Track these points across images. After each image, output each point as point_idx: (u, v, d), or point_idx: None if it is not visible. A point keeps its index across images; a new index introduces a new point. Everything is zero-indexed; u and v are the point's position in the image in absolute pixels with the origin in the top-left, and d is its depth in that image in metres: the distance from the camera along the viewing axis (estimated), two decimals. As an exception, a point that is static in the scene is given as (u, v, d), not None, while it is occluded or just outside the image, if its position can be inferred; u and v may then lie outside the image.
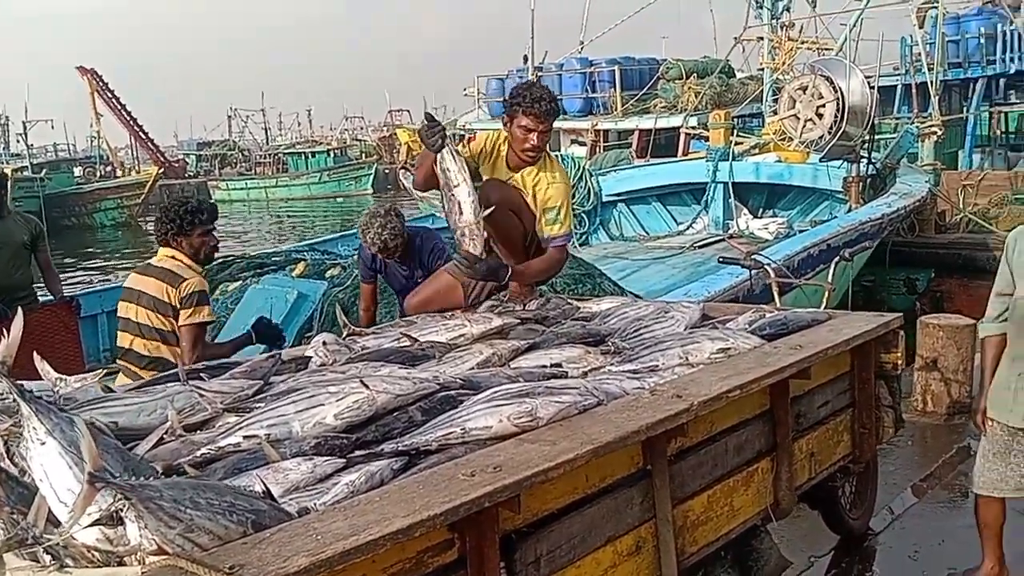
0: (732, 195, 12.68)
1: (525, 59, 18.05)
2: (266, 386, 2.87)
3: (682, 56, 18.37)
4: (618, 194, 13.61)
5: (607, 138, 16.97)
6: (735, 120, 14.21)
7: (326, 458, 2.30)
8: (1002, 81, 20.14)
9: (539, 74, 17.12)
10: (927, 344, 6.09)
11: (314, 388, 2.67)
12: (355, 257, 5.86)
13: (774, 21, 15.74)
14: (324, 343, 3.39)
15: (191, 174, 50.18)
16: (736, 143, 13.04)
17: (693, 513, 2.82)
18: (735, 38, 16.92)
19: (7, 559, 1.94)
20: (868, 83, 11.55)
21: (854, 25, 14.78)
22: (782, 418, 3.21)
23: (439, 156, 3.76)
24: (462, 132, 17.44)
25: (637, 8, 18.86)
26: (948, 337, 6.01)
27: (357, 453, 2.39)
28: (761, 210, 13.18)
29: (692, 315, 3.70)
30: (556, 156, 5.01)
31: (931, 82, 15.88)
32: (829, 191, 12.25)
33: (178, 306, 4.04)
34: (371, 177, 45.00)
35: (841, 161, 11.56)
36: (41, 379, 2.81)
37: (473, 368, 3.13)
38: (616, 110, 17.35)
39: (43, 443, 2.01)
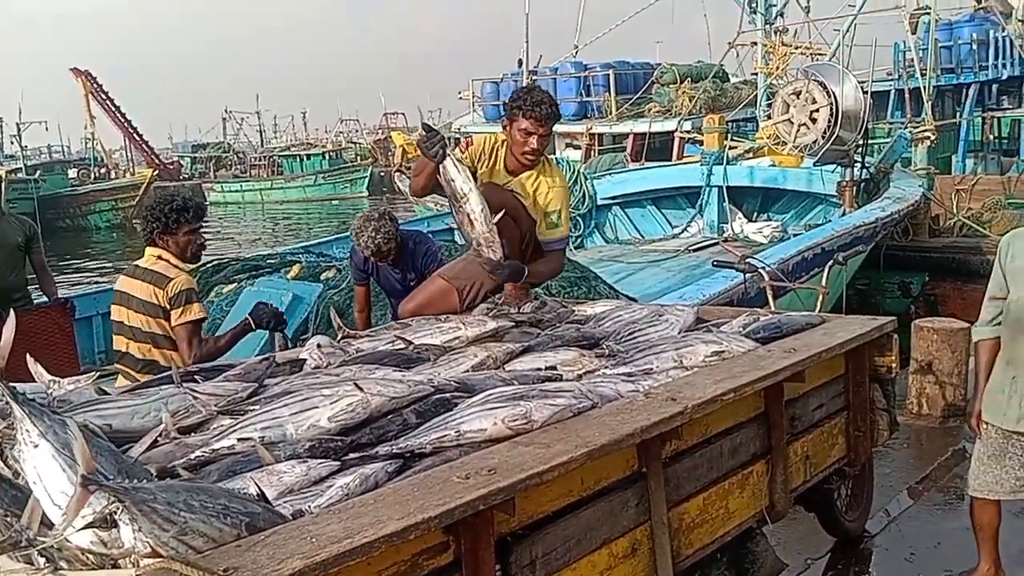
0: (726, 199, 12.72)
1: (520, 63, 18.08)
2: (260, 388, 2.86)
3: (676, 60, 18.51)
4: (613, 197, 13.63)
5: (602, 142, 17.03)
6: (729, 124, 14.27)
7: (320, 461, 2.30)
8: (994, 86, 20.30)
9: (534, 78, 17.16)
10: (921, 347, 6.11)
11: (308, 391, 2.66)
12: (349, 260, 5.84)
13: (768, 26, 15.81)
14: (319, 345, 3.39)
15: (186, 176, 50.14)
16: (730, 147, 13.06)
17: (688, 515, 2.81)
18: (729, 43, 17.03)
19: (1, 562, 1.93)
20: (861, 88, 11.57)
21: (847, 30, 14.86)
22: (777, 421, 3.22)
23: (442, 167, 3.72)
24: (458, 136, 17.46)
25: (632, 12, 18.97)
26: (942, 340, 6.03)
27: (351, 456, 2.39)
28: (755, 214, 13.22)
29: (686, 318, 3.70)
30: (552, 159, 5.01)
31: (924, 87, 15.97)
32: (823, 195, 12.28)
33: (167, 307, 4.00)
34: (366, 180, 45.03)
35: (835, 165, 11.59)
36: (35, 381, 2.80)
37: (468, 371, 3.12)
38: (611, 114, 17.42)
39: (36, 446, 2.00)
